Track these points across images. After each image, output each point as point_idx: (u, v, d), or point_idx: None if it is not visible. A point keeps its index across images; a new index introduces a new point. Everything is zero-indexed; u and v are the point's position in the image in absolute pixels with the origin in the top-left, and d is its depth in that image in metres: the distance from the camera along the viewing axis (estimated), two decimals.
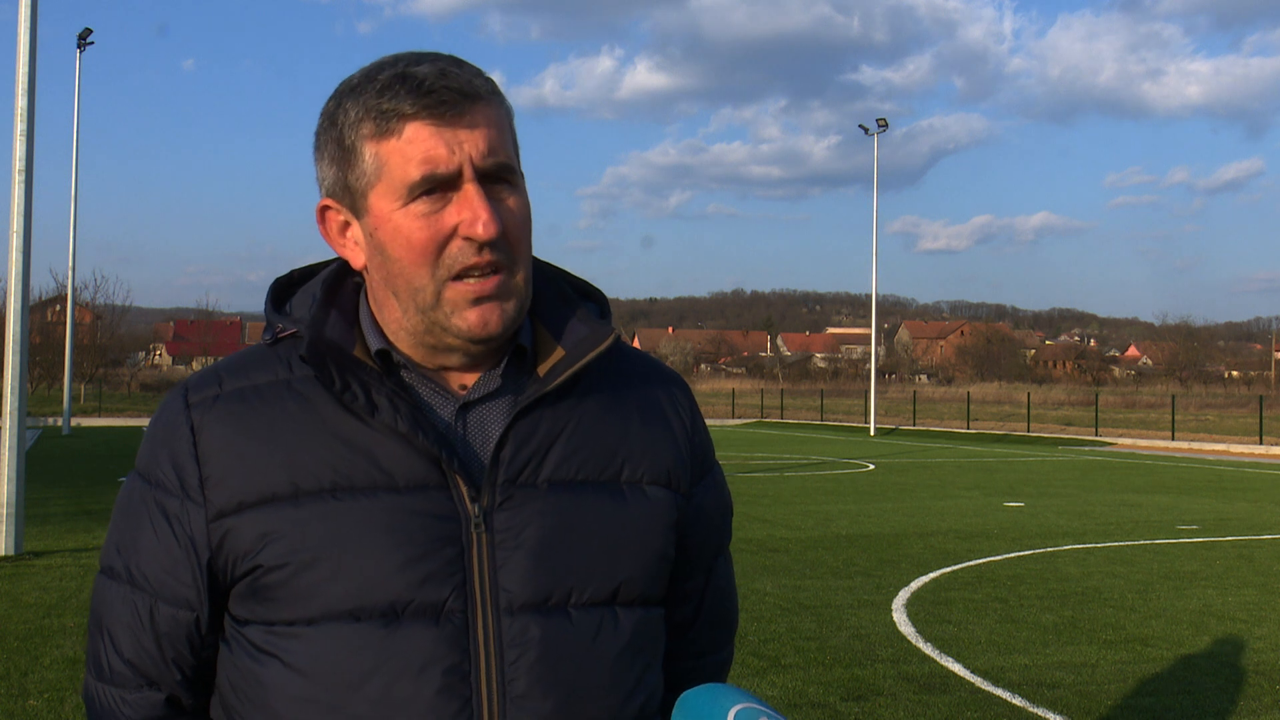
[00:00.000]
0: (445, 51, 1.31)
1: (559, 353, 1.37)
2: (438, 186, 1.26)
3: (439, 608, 1.27)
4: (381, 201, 1.28)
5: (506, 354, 1.37)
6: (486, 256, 1.27)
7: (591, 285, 1.47)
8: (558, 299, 1.42)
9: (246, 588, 1.29)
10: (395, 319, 1.33)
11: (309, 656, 1.26)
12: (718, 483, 1.52)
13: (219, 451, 1.30)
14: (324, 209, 1.35)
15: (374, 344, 1.34)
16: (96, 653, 1.37)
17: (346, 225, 1.34)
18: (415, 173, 1.25)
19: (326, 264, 1.43)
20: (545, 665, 1.28)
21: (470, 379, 1.36)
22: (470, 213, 1.25)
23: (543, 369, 1.36)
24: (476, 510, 1.29)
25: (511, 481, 1.31)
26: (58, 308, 61.80)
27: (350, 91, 1.29)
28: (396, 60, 1.28)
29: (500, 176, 1.29)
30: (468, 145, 1.26)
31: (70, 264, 37.46)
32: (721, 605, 1.56)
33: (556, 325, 1.40)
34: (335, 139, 1.30)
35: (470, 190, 1.26)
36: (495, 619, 1.28)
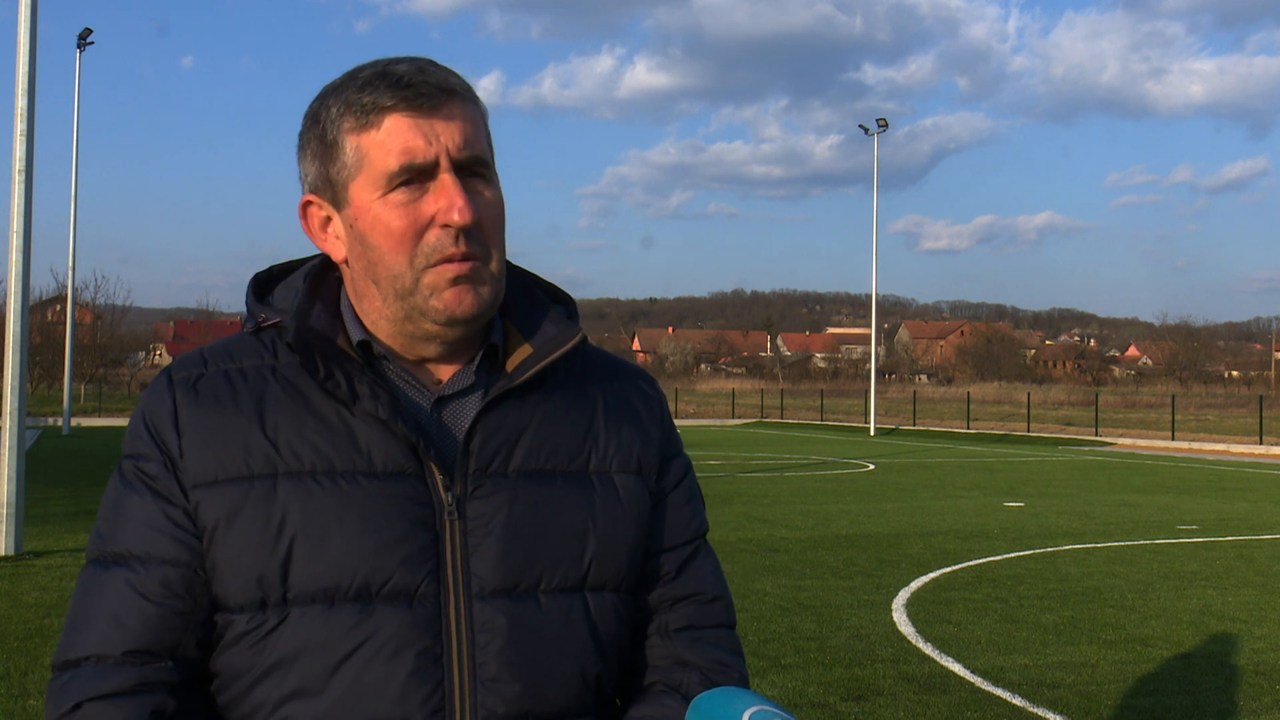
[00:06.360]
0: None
1: (527, 350, 1.42)
2: (416, 176, 1.31)
3: (412, 592, 1.30)
4: (362, 192, 1.32)
5: (480, 351, 1.41)
6: (462, 247, 1.31)
7: (561, 290, 1.52)
8: (528, 301, 1.48)
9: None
10: (375, 308, 1.37)
11: (285, 639, 1.28)
12: (685, 469, 1.54)
13: (199, 425, 1.32)
14: (306, 204, 1.39)
15: (355, 335, 1.38)
16: (74, 642, 1.29)
17: (328, 220, 1.38)
18: (394, 163, 1.30)
19: (306, 260, 1.48)
20: (515, 649, 1.32)
21: (446, 374, 1.40)
22: (446, 200, 1.30)
23: (511, 364, 1.41)
24: (450, 498, 1.33)
25: (482, 471, 1.35)
26: (58, 308, 61.85)
27: (333, 91, 1.35)
28: (377, 61, 1.35)
29: (476, 169, 1.34)
30: (444, 137, 1.31)
31: (70, 264, 37.51)
32: (705, 591, 1.48)
33: (527, 325, 1.45)
34: (318, 135, 1.35)
35: (446, 179, 1.31)
36: (467, 604, 1.31)
